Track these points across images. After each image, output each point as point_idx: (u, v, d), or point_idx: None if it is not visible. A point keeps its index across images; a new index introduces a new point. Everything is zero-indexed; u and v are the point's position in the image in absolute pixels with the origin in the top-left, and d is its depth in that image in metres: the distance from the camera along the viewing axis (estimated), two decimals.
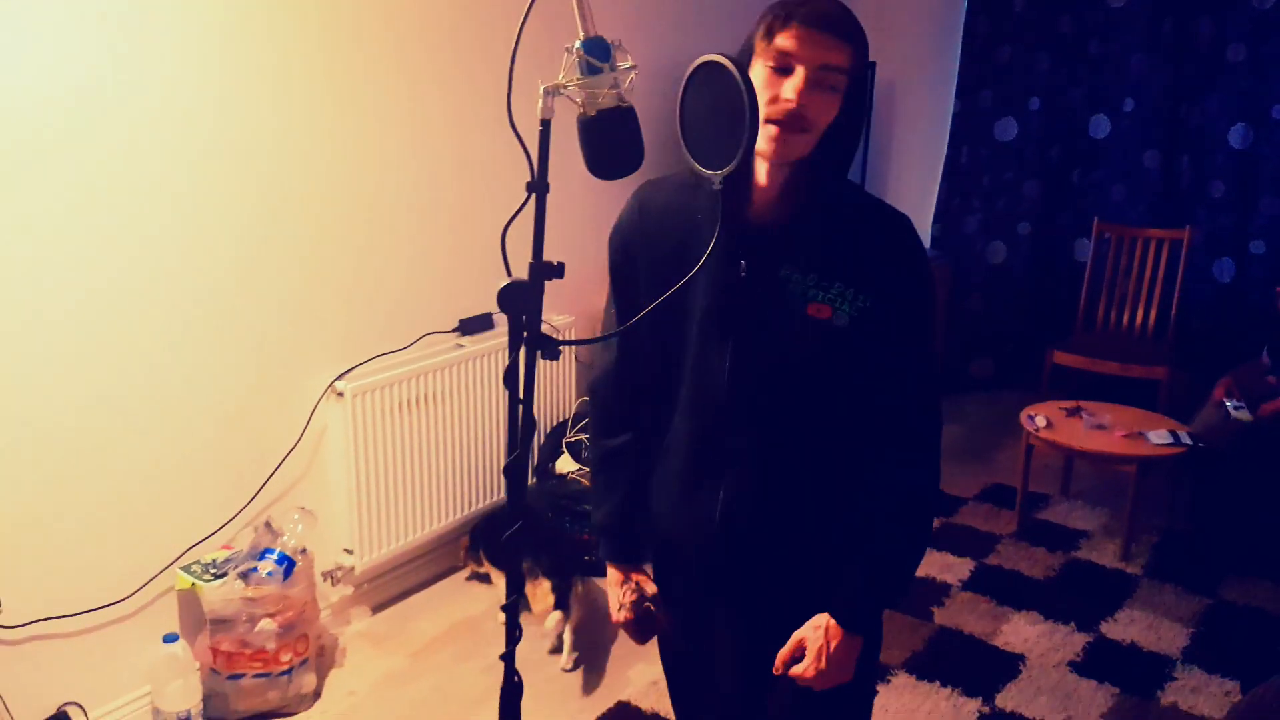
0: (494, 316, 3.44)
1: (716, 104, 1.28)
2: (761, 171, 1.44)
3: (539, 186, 1.28)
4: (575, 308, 3.73)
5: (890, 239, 1.45)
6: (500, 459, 3.50)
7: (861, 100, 1.42)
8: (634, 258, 1.58)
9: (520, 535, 1.35)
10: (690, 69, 1.32)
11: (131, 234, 2.43)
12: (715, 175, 1.30)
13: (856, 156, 4.82)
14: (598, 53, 1.23)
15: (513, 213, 1.31)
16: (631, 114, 1.27)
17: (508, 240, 1.33)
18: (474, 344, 3.34)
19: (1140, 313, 4.58)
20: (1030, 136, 4.88)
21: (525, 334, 1.33)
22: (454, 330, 3.35)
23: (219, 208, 2.60)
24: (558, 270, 1.31)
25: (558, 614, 2.89)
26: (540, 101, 1.25)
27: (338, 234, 2.92)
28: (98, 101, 2.31)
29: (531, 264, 1.31)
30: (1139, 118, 4.66)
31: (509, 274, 1.34)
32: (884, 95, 5.00)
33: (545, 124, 1.26)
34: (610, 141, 1.27)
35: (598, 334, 1.69)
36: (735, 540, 1.56)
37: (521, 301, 1.31)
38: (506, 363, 1.34)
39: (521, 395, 1.34)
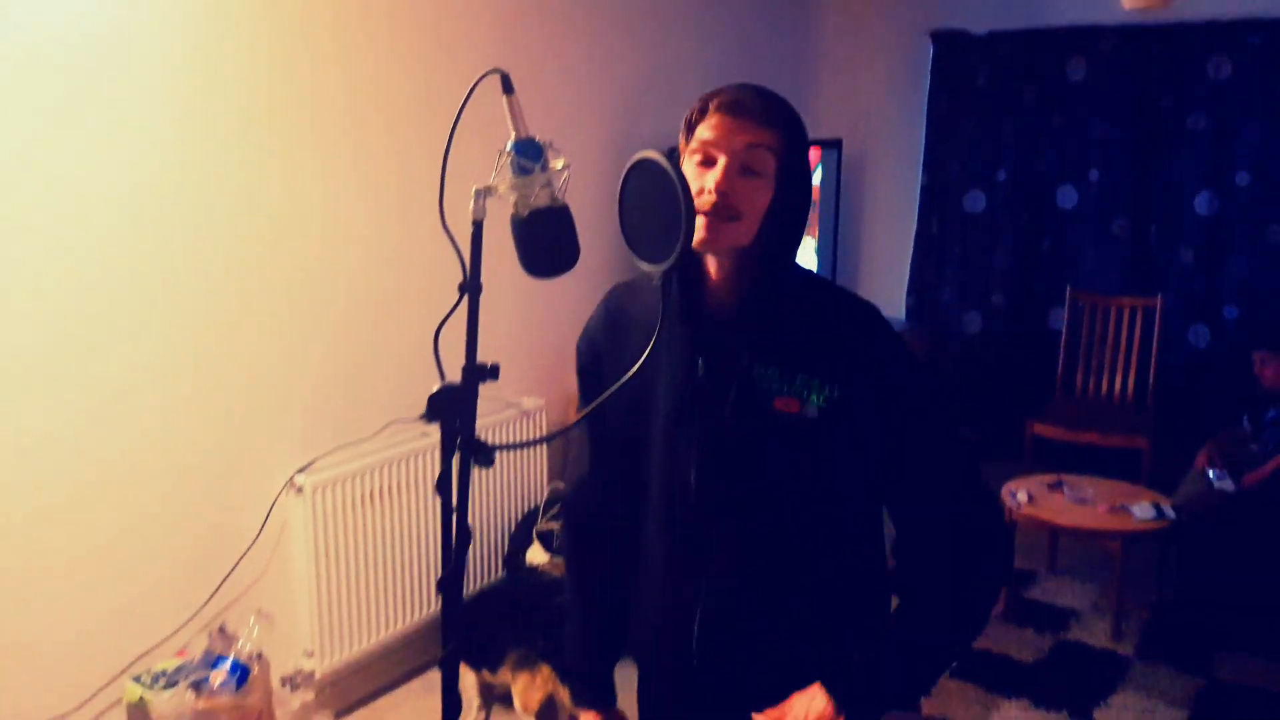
0: None
1: (653, 199, 1.27)
2: (711, 265, 1.40)
3: (471, 287, 1.24)
4: (547, 390, 3.68)
5: (854, 328, 1.38)
6: (476, 549, 3.41)
7: (800, 182, 1.37)
8: (600, 362, 1.53)
9: (461, 653, 1.27)
10: (627, 166, 1.30)
11: (80, 323, 2.37)
12: (655, 270, 1.28)
13: (828, 232, 4.80)
14: (529, 153, 1.20)
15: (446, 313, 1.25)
16: (565, 213, 1.23)
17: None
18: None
19: (1118, 380, 4.56)
20: (999, 207, 4.91)
21: (459, 440, 1.26)
22: (420, 417, 3.26)
23: (172, 290, 2.55)
24: (492, 372, 1.27)
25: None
26: (472, 203, 1.21)
27: (299, 318, 2.87)
28: (47, 192, 2.27)
29: (465, 367, 1.26)
30: (1106, 187, 4.70)
31: (442, 378, 1.28)
32: (853, 170, 5.03)
33: (477, 225, 1.22)
34: (543, 241, 1.23)
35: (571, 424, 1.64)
36: (715, 664, 1.47)
37: (454, 406, 1.24)
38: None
39: (455, 504, 1.28)
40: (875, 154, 5.12)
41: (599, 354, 1.54)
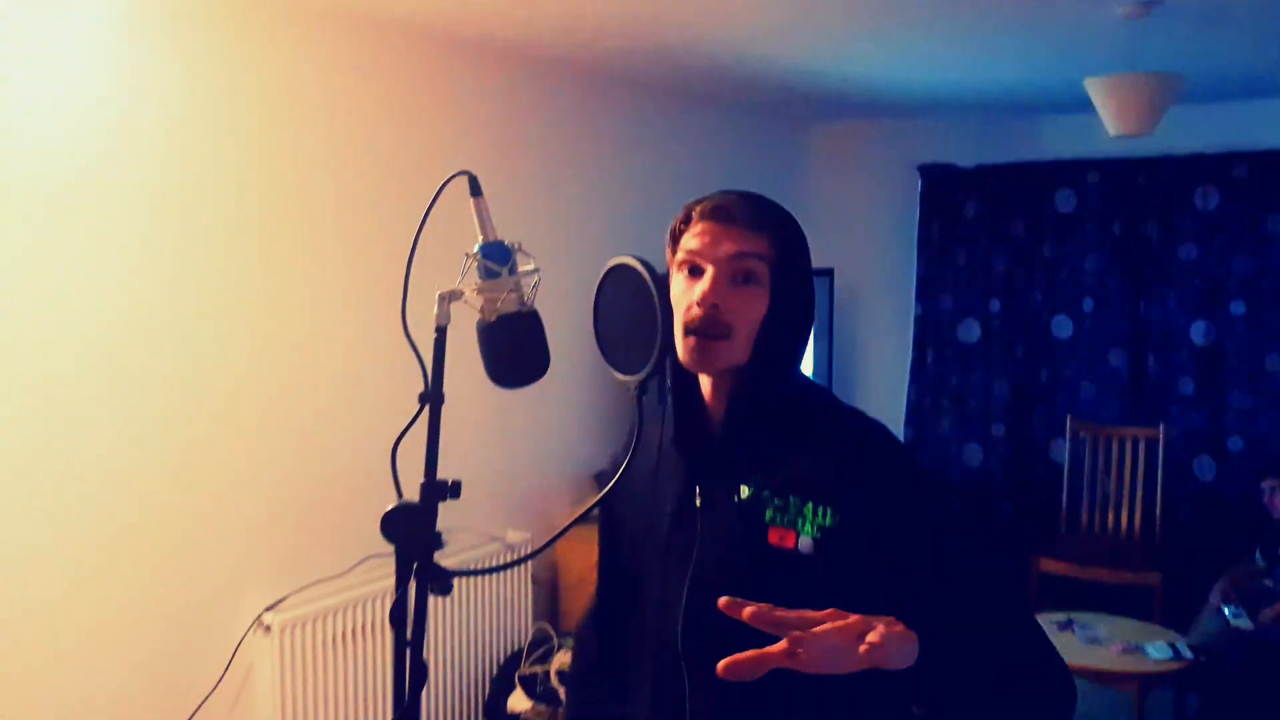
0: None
1: (629, 306, 1.21)
2: (705, 385, 1.31)
3: (433, 397, 1.16)
4: (533, 523, 3.55)
5: (853, 445, 1.24)
6: (453, 694, 3.23)
7: (798, 290, 1.26)
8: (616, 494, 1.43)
9: None
10: (602, 272, 1.24)
11: (37, 448, 2.27)
12: (630, 380, 1.21)
13: (822, 362, 4.67)
14: (497, 257, 1.14)
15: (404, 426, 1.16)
16: (534, 319, 1.16)
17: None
18: None
19: (1125, 515, 4.42)
20: (994, 338, 4.87)
21: (414, 565, 1.15)
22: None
23: (136, 416, 2.47)
24: (453, 490, 1.17)
25: None
26: (436, 308, 1.14)
27: (270, 445, 2.78)
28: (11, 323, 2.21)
29: (424, 483, 1.16)
30: (1100, 317, 4.67)
31: (399, 495, 1.18)
32: (846, 300, 5.01)
33: (441, 331, 1.15)
34: (509, 348, 1.16)
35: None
36: None
37: (411, 527, 1.14)
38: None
39: (410, 637, 1.16)
40: (868, 284, 5.12)
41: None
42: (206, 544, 2.63)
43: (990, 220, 4.83)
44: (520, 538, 3.42)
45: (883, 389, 5.13)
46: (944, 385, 4.97)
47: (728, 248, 1.22)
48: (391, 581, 2.94)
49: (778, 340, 1.25)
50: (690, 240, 1.25)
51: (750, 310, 1.22)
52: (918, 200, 4.91)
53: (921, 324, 4.95)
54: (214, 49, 2.59)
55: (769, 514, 1.23)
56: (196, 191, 2.56)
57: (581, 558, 3.58)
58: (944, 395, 4.98)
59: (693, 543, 1.29)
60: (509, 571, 3.39)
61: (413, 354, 1.17)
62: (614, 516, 1.45)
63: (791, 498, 1.22)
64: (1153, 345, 4.60)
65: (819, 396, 1.33)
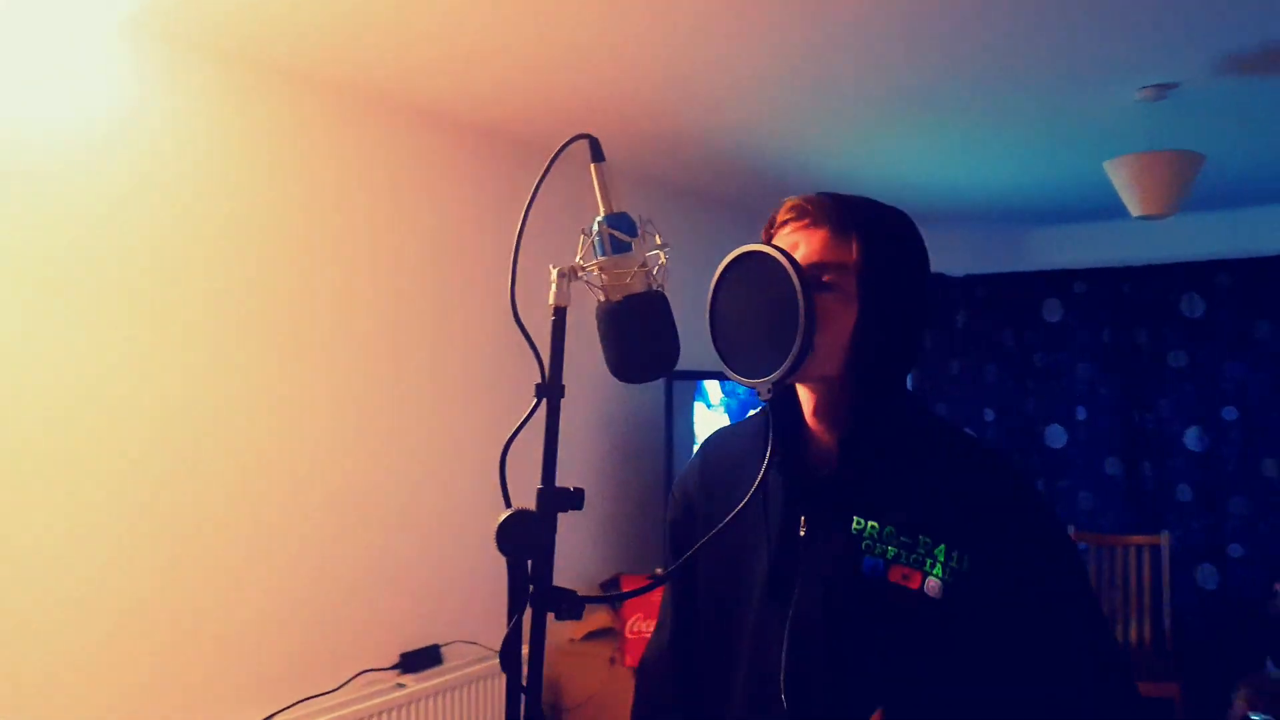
0: (441, 650, 2.99)
1: (758, 301, 1.09)
2: (806, 404, 1.20)
3: (552, 389, 1.00)
4: None
5: (990, 483, 1.13)
6: None
7: (895, 299, 1.14)
8: (694, 514, 1.30)
9: None
10: (724, 263, 1.13)
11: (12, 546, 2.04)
12: (762, 383, 1.07)
13: None
14: (625, 228, 1.01)
15: (517, 425, 1.01)
16: (664, 300, 1.03)
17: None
18: (418, 683, 2.86)
19: (1134, 626, 4.27)
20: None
21: (532, 588, 0.98)
22: (394, 667, 2.88)
23: (105, 527, 2.24)
24: (575, 499, 1.00)
25: None
26: (554, 286, 1.00)
27: (256, 551, 2.54)
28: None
29: (541, 490, 0.99)
30: (1094, 426, 4.64)
31: (508, 504, 1.02)
32: None
33: (559, 312, 1.01)
34: (640, 333, 1.02)
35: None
36: None
37: (527, 541, 0.97)
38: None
39: (526, 679, 0.97)
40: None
41: (693, 504, 1.31)
42: (186, 658, 2.36)
43: (981, 330, 4.84)
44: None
45: None
46: None
47: (808, 255, 1.13)
48: (387, 698, 2.69)
49: (869, 352, 1.13)
50: (777, 243, 1.16)
51: (832, 319, 1.11)
52: None
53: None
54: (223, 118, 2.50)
55: (891, 550, 1.11)
56: (173, 286, 2.43)
57: (583, 679, 3.33)
58: None
59: (794, 576, 1.15)
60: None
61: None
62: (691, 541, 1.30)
63: (921, 536, 1.10)
64: (1149, 452, 4.56)
65: (943, 425, 1.22)
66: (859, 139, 3.22)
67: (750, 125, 3.10)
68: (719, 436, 1.37)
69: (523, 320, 0.99)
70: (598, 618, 3.51)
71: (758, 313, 1.09)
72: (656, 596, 3.12)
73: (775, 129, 3.14)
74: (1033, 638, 1.09)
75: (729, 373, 1.13)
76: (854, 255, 1.12)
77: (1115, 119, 2.87)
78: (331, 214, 2.74)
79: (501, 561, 3.32)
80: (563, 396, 1.00)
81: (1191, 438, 4.45)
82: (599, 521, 3.65)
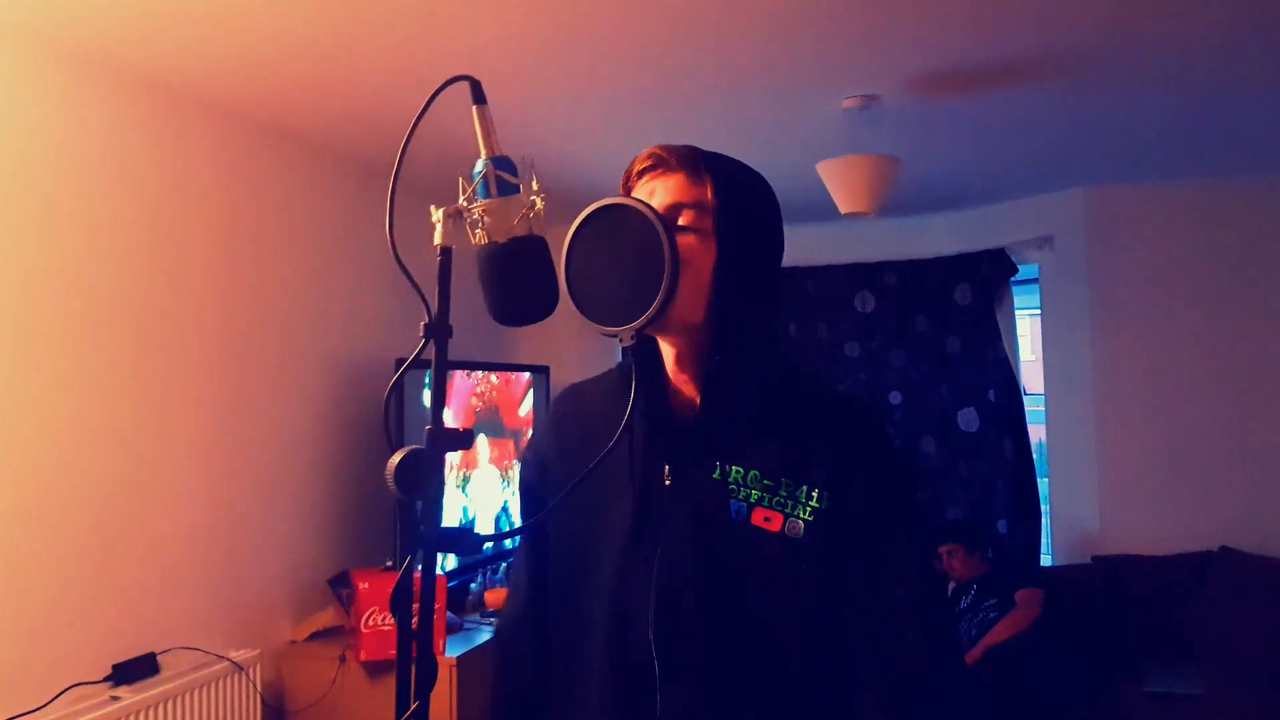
0: (158, 658, 2.74)
1: (618, 250, 1.11)
2: (667, 355, 1.23)
3: (439, 329, 0.99)
4: (255, 638, 3.11)
5: (849, 424, 1.19)
6: None
7: (752, 242, 1.18)
8: (548, 476, 1.29)
9: None
10: (579, 219, 1.15)
11: None
12: (625, 330, 1.11)
13: None
14: (510, 169, 1.02)
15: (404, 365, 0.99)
16: (545, 244, 1.05)
17: None
18: (133, 694, 2.60)
19: None
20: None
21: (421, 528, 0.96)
22: (106, 679, 2.61)
23: None
24: (464, 439, 0.99)
25: None
26: (439, 226, 1.00)
27: None
28: None
29: (430, 430, 0.98)
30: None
31: (390, 443, 0.99)
32: None
33: (445, 252, 1.00)
34: (524, 274, 1.03)
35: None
36: None
37: (422, 480, 0.95)
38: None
39: (417, 622, 0.95)
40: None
41: (546, 465, 1.30)
42: None
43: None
44: (248, 655, 2.97)
45: None
46: None
47: (662, 198, 1.17)
48: (99, 713, 2.44)
49: (730, 294, 1.16)
50: (635, 194, 1.20)
51: (691, 262, 1.13)
52: None
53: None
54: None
55: (755, 494, 1.15)
56: None
57: (310, 681, 3.18)
58: None
59: (660, 526, 1.17)
60: (237, 691, 2.92)
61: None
62: (546, 503, 1.30)
63: (783, 479, 1.14)
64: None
65: (802, 371, 1.26)
66: (591, 141, 3.35)
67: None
68: (570, 393, 1.36)
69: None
70: (322, 616, 3.37)
71: (618, 262, 1.11)
72: (390, 589, 3.05)
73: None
74: (879, 573, 1.15)
75: (592, 324, 1.13)
76: (709, 195, 1.15)
77: (824, 126, 3.18)
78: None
79: (221, 564, 3.15)
80: (450, 336, 0.99)
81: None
82: (324, 515, 3.49)
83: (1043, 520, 4.60)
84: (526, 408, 4.32)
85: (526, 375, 4.33)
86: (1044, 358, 4.68)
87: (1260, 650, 3.67)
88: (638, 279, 1.09)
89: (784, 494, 1.14)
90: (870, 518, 1.15)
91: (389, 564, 3.38)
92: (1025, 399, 4.71)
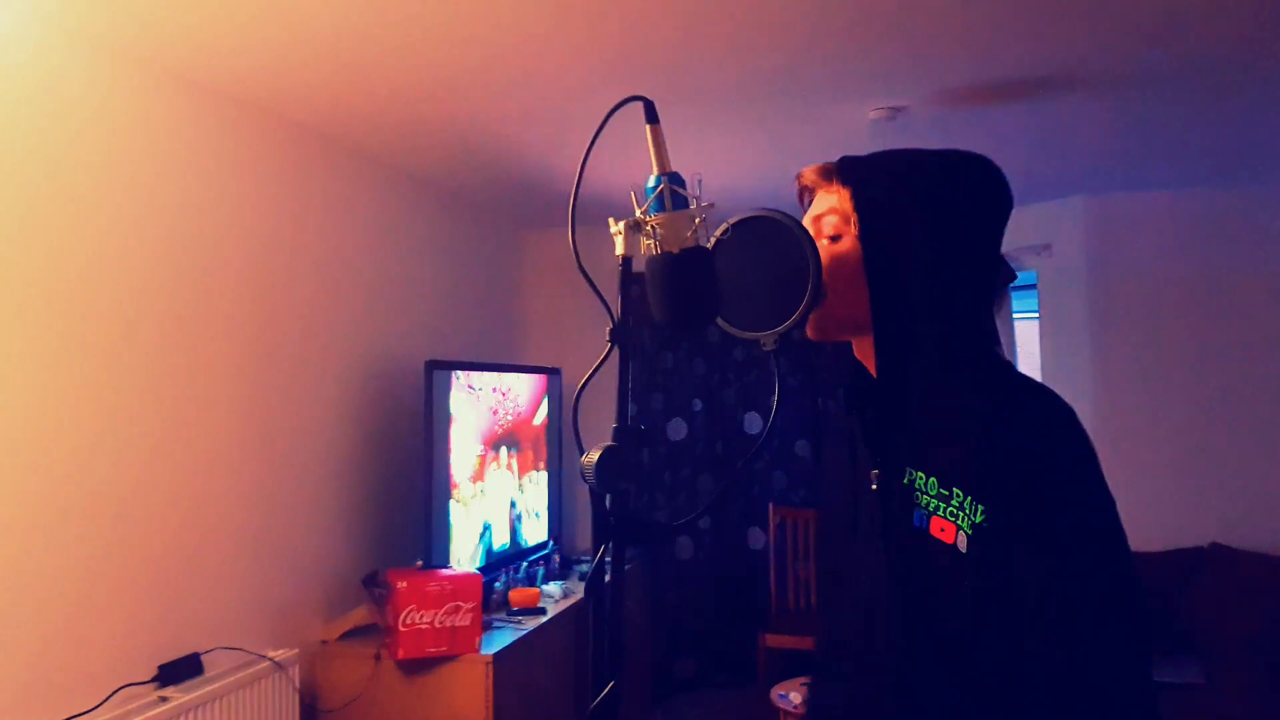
0: (202, 658, 2.77)
1: (763, 259, 1.17)
2: (866, 359, 1.26)
3: (622, 335, 1.05)
4: (293, 637, 3.14)
5: (1017, 429, 1.07)
6: None
7: (903, 239, 1.15)
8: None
9: None
10: (719, 232, 1.21)
11: None
12: (768, 335, 1.17)
13: (554, 461, 4.58)
14: (682, 185, 1.09)
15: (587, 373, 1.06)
16: (711, 254, 1.12)
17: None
18: (181, 694, 2.63)
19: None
20: (698, 435, 5.18)
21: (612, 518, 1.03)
22: (153, 680, 2.63)
23: None
24: (645, 436, 1.06)
25: None
26: (620, 237, 1.07)
27: None
28: None
29: (616, 428, 1.05)
30: (781, 412, 5.13)
31: (580, 446, 1.06)
32: (569, 402, 5.04)
33: (627, 261, 1.07)
34: (696, 282, 1.10)
35: None
36: None
37: (618, 475, 1.02)
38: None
39: (609, 608, 1.02)
40: (592, 385, 5.18)
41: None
42: None
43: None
44: (287, 655, 3.00)
45: None
46: (658, 482, 5.17)
47: (810, 211, 1.24)
48: (149, 714, 2.48)
49: (882, 290, 1.15)
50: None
51: (836, 268, 1.18)
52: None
53: (637, 423, 5.14)
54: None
55: (933, 504, 1.10)
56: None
57: (344, 679, 3.22)
58: (659, 491, 5.18)
59: (875, 531, 1.18)
60: (277, 690, 2.95)
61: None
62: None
63: (955, 488, 1.08)
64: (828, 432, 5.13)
65: (997, 369, 1.17)
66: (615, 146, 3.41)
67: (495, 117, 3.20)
68: None
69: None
70: (356, 614, 3.41)
71: (761, 271, 1.16)
72: (430, 586, 3.10)
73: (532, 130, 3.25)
74: (1040, 609, 1.02)
75: (730, 328, 1.19)
76: (845, 203, 1.20)
77: (853, 135, 3.28)
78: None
79: (257, 564, 3.19)
80: (635, 342, 1.06)
81: None
82: (355, 515, 3.53)
83: None
84: (541, 417, 4.38)
85: (539, 385, 4.39)
86: (1041, 361, 4.82)
87: (1256, 641, 3.81)
88: (781, 286, 1.14)
89: (955, 504, 1.07)
90: (1036, 546, 1.03)
91: (420, 564, 3.43)
92: None
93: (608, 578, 1.02)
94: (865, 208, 1.19)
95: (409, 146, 3.53)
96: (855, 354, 1.27)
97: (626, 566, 1.11)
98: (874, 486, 1.17)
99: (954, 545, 1.06)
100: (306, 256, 3.33)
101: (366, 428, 3.60)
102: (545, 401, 4.42)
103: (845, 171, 1.23)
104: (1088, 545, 1.04)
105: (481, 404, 3.84)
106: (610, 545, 1.01)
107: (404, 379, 3.73)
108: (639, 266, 1.11)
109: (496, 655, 3.16)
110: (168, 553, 2.71)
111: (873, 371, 1.22)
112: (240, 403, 2.99)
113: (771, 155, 3.59)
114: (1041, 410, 1.10)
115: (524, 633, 3.42)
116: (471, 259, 4.58)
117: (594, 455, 1.00)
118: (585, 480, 1.00)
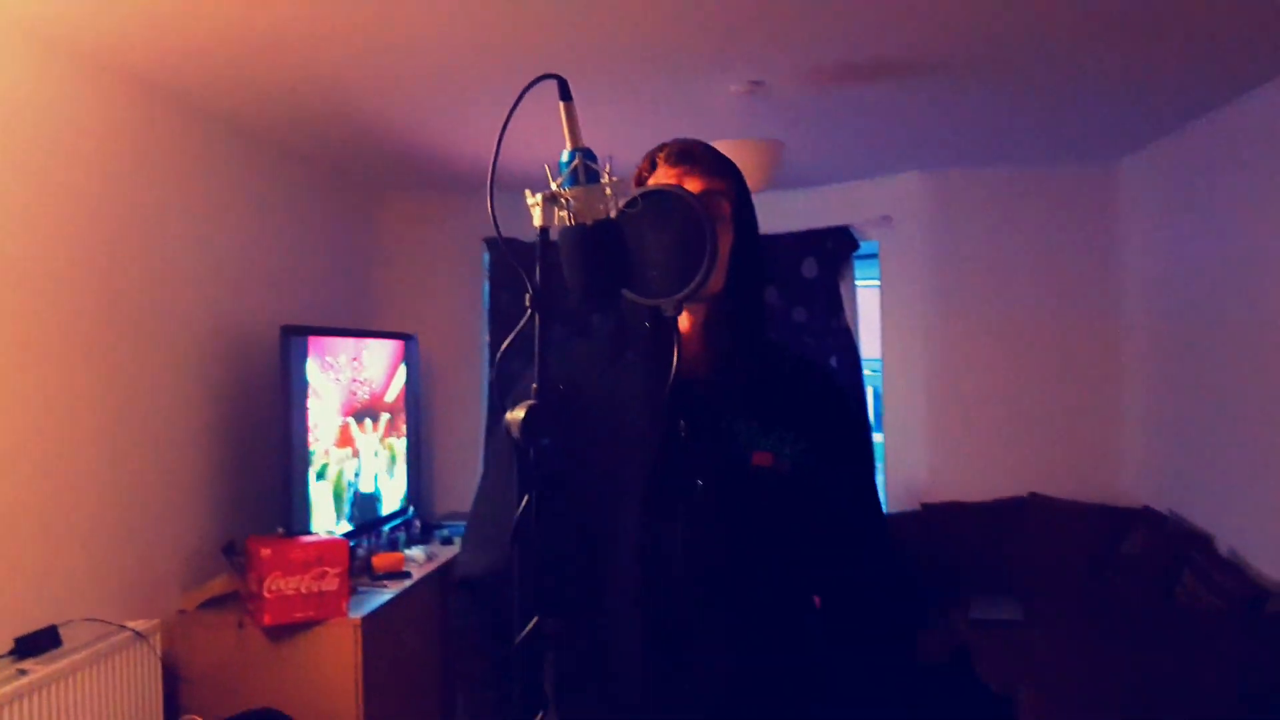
0: (60, 630, 2.69)
1: (660, 231, 1.25)
2: (683, 321, 1.39)
3: (541, 303, 1.13)
4: (151, 608, 3.08)
5: (824, 385, 1.48)
6: None
7: (753, 229, 1.43)
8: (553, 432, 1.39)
9: None
10: (625, 203, 1.29)
11: None
12: (669, 301, 1.25)
13: (413, 427, 4.62)
14: (594, 160, 1.17)
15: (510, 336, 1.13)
16: (620, 227, 1.20)
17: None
18: (40, 666, 2.56)
19: None
20: None
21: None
22: (10, 654, 2.55)
23: None
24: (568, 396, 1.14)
25: None
26: (538, 209, 1.14)
27: None
28: None
29: (537, 387, 1.13)
30: None
31: (499, 407, 1.13)
32: (425, 368, 5.03)
33: (544, 232, 1.14)
34: (610, 254, 1.18)
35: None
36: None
37: (540, 430, 1.10)
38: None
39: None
40: (445, 351, 5.18)
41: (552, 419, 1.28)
42: None
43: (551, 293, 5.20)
44: (148, 625, 2.94)
45: (460, 453, 5.19)
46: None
47: (695, 185, 1.36)
48: (6, 688, 2.42)
49: (745, 268, 1.39)
50: (658, 181, 1.37)
51: (721, 242, 1.34)
52: (486, 271, 5.19)
53: (495, 388, 5.15)
54: None
55: (753, 440, 1.36)
56: None
57: (207, 648, 3.18)
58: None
59: (681, 476, 1.34)
60: (139, 660, 2.89)
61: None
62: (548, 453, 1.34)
63: (776, 428, 1.36)
64: None
65: (783, 346, 1.52)
66: (483, 118, 3.44)
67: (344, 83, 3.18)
68: (572, 345, 1.49)
69: None
70: (215, 583, 3.36)
71: (662, 243, 1.24)
72: (295, 552, 3.09)
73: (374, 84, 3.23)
74: (847, 509, 1.45)
75: (634, 296, 1.26)
76: (729, 190, 1.39)
77: (716, 109, 3.40)
78: None
79: (114, 534, 3.13)
80: (552, 307, 1.13)
81: None
82: (213, 483, 3.46)
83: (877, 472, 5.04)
84: (398, 383, 4.36)
85: (396, 351, 4.37)
86: (882, 326, 5.12)
87: (1068, 581, 4.22)
88: (682, 257, 1.23)
89: (775, 439, 1.36)
90: (841, 460, 1.43)
91: (281, 531, 3.39)
92: (864, 364, 5.13)
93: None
94: (740, 197, 1.41)
95: (258, 109, 3.44)
96: (680, 322, 1.35)
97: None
98: (682, 435, 1.35)
99: (772, 469, 1.35)
100: (154, 219, 3.22)
101: (222, 395, 3.53)
102: (404, 367, 4.41)
103: (731, 165, 1.43)
104: (870, 456, 1.61)
105: (340, 373, 3.81)
106: (534, 495, 1.09)
107: (259, 345, 3.66)
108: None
109: (365, 618, 3.18)
110: (20, 524, 2.61)
111: (689, 335, 1.39)
112: (91, 371, 2.89)
113: (639, 129, 3.68)
114: (829, 369, 1.47)
115: (391, 595, 3.45)
116: (326, 224, 4.48)
117: (519, 413, 1.08)
118: (510, 435, 1.07)
